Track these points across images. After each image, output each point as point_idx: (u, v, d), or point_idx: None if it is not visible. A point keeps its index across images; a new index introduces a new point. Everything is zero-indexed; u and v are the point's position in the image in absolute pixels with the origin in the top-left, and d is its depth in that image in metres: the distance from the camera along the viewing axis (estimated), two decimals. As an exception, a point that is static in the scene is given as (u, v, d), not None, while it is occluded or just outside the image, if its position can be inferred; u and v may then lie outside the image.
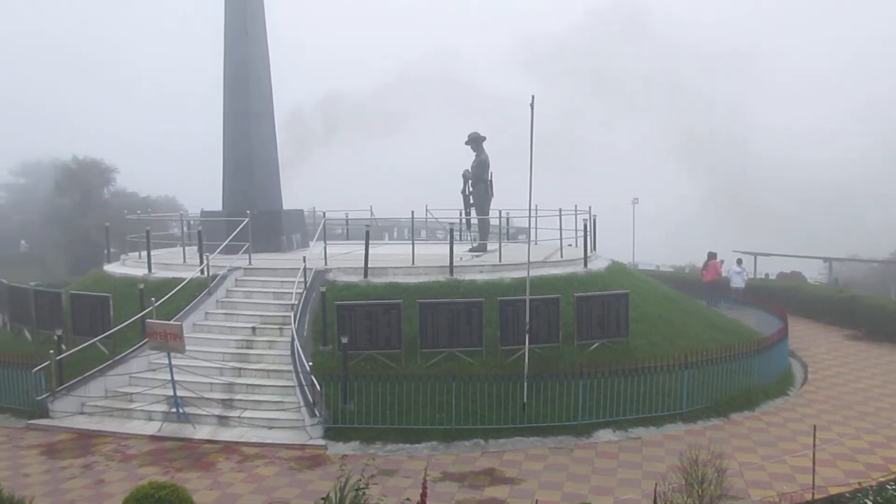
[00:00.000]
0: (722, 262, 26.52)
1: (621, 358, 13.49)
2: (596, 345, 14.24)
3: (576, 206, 19.50)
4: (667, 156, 60.35)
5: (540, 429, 11.96)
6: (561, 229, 19.41)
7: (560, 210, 19.47)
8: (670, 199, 55.26)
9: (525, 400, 12.18)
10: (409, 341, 13.60)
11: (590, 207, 19.18)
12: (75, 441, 12.15)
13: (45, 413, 13.07)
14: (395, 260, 17.04)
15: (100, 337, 14.37)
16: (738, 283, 24.72)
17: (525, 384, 12.25)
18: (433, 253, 17.82)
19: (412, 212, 18.55)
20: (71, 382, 13.29)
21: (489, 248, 19.74)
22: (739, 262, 25.86)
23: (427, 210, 23.68)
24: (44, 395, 13.08)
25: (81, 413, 13.21)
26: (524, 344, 12.69)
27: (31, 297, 16.67)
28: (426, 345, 13.58)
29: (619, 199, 41.22)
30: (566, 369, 12.77)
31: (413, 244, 16.98)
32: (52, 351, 13.26)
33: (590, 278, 16.87)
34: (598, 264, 18.51)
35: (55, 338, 13.82)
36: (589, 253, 18.32)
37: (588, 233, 18.40)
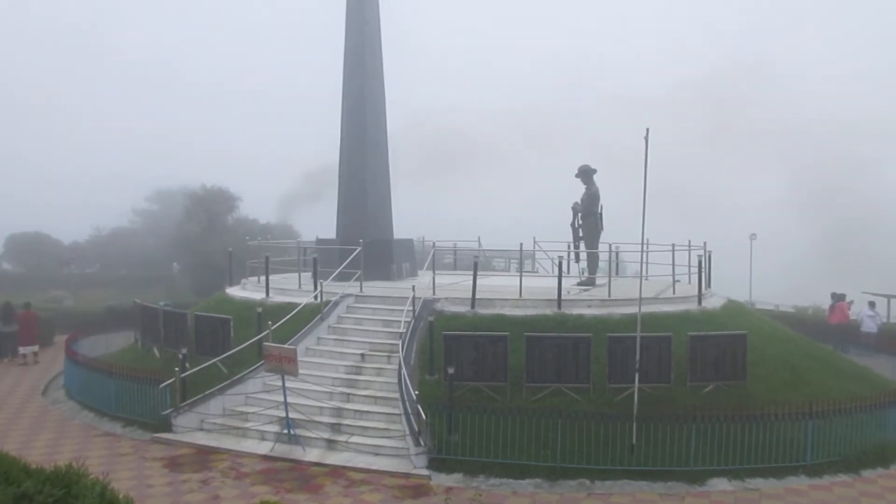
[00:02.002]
0: (850, 303, 24.79)
1: (738, 402, 12.81)
2: (710, 387, 13.61)
3: (689, 241, 18.87)
4: (785, 200, 57.76)
5: (649, 473, 11.50)
6: (674, 265, 18.82)
7: (673, 245, 18.88)
8: (784, 239, 52.68)
9: (634, 441, 11.77)
10: (515, 374, 13.49)
11: (704, 243, 18.50)
12: (195, 456, 12.79)
13: (168, 427, 13.86)
14: (502, 291, 17.02)
15: (220, 357, 15.13)
16: (870, 327, 23.00)
17: (634, 425, 11.85)
18: (541, 286, 17.67)
19: (521, 244, 18.52)
20: (193, 399, 14.04)
21: (598, 282, 19.38)
22: (872, 304, 24.03)
23: (535, 242, 23.57)
24: (168, 410, 13.88)
25: (201, 429, 13.89)
26: (633, 383, 12.30)
27: (160, 316, 17.81)
28: (532, 379, 13.43)
29: (736, 236, 39.58)
30: (678, 411, 12.25)
31: (521, 276, 16.93)
32: (177, 368, 14.08)
33: (704, 317, 16.21)
34: (713, 302, 17.76)
35: (180, 356, 14.66)
36: (703, 290, 17.61)
37: (702, 269, 17.71)
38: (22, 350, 21.80)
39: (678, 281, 19.10)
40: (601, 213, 19.36)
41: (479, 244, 25.29)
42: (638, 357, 12.39)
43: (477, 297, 15.92)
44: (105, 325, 23.36)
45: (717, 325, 15.53)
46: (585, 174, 19.54)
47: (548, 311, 15.53)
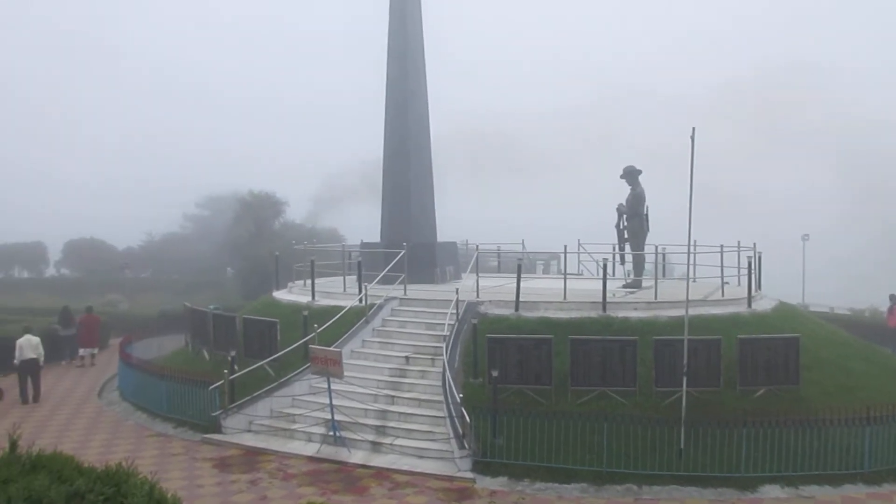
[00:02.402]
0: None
1: (791, 407, 12.47)
2: (761, 391, 13.27)
3: (738, 242, 18.44)
4: (838, 199, 56.00)
5: (698, 478, 11.27)
6: (722, 266, 18.42)
7: (721, 246, 18.49)
8: (838, 239, 51.07)
9: (682, 446, 11.55)
10: (560, 378, 13.38)
11: (754, 244, 18.06)
12: (243, 457, 13.02)
13: (218, 428, 14.14)
14: (546, 294, 16.91)
15: (268, 360, 15.37)
16: (931, 329, 22.11)
17: (682, 429, 11.63)
18: (585, 288, 17.49)
19: (565, 246, 18.38)
20: (241, 401, 14.30)
21: (644, 284, 19.10)
22: (933, 306, 23.11)
23: (579, 244, 23.35)
24: (218, 412, 14.17)
25: (249, 430, 14.14)
26: (681, 387, 12.08)
27: (209, 319, 18.20)
28: (577, 382, 13.30)
29: (787, 237, 38.51)
30: (728, 416, 11.98)
31: (565, 279, 16.80)
32: (226, 371, 14.37)
33: (755, 319, 15.82)
34: (763, 304, 17.32)
35: (229, 359, 14.96)
36: (753, 292, 17.19)
37: (752, 271, 17.29)
38: (82, 352, 22.52)
39: (727, 283, 18.69)
40: (647, 215, 19.08)
41: (523, 246, 25.15)
42: (686, 360, 12.16)
43: (521, 299, 15.85)
44: (158, 328, 23.97)
45: (768, 327, 15.15)
46: (630, 175, 19.29)
47: (593, 314, 15.37)
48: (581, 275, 23.23)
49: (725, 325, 14.89)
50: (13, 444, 3.85)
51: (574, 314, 15.42)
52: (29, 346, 17.37)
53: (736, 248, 18.36)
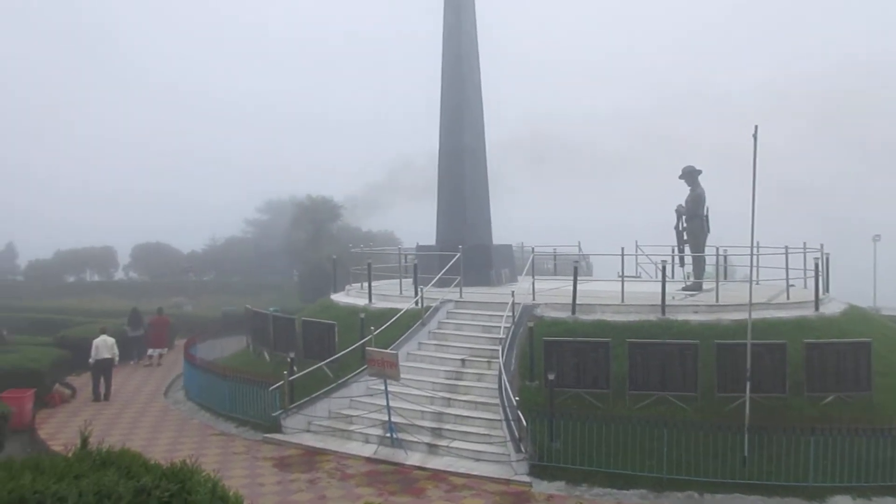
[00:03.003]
0: None
1: (862, 415, 11.96)
2: (830, 398, 12.78)
3: (804, 243, 17.82)
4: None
5: (763, 487, 10.92)
6: (787, 268, 17.82)
7: (786, 248, 17.90)
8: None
9: (746, 454, 11.22)
10: (618, 382, 13.18)
11: (821, 245, 17.42)
12: (302, 457, 13.24)
13: (278, 428, 14.42)
14: (603, 297, 16.68)
15: (326, 361, 15.60)
16: None
17: (746, 436, 11.29)
18: (643, 291, 17.19)
19: (622, 248, 18.10)
20: (300, 402, 14.55)
21: (704, 287, 18.65)
22: None
23: (637, 247, 22.96)
24: (278, 412, 14.45)
25: (308, 430, 14.37)
26: (744, 392, 11.73)
27: (269, 321, 18.58)
28: (635, 386, 13.07)
29: (857, 238, 37.01)
30: (795, 423, 11.57)
31: (623, 281, 16.54)
32: (285, 372, 14.65)
33: (822, 323, 15.25)
34: (831, 308, 16.68)
35: (288, 360, 15.24)
36: (821, 295, 16.58)
37: (820, 272, 16.68)
38: (150, 352, 23.32)
39: (792, 285, 18.08)
40: (707, 216, 18.63)
41: (580, 249, 24.89)
42: (749, 365, 11.81)
43: (577, 302, 15.68)
44: (220, 329, 24.62)
45: (836, 332, 14.58)
46: (689, 175, 18.87)
47: (651, 317, 15.08)
48: (639, 277, 22.84)
49: (791, 328, 14.40)
50: (84, 441, 4.01)
51: (632, 317, 15.16)
52: (105, 346, 18.10)
53: (802, 250, 17.74)
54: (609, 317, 15.31)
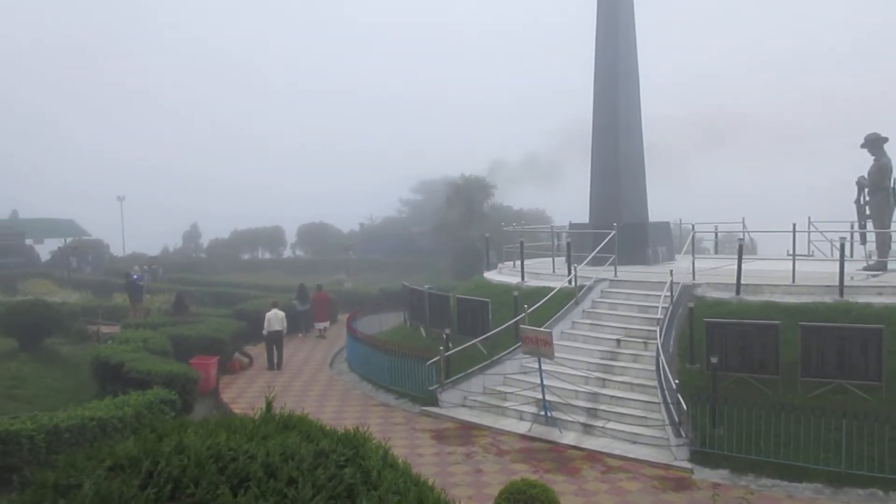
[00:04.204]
0: None
1: None
2: None
3: None
4: None
5: (961, 489, 9.84)
6: None
7: None
8: None
9: (940, 451, 10.15)
10: (788, 367, 12.33)
11: None
12: (458, 430, 13.61)
13: (434, 402, 14.89)
14: (771, 277, 15.63)
15: (480, 338, 15.87)
16: None
17: (941, 432, 10.21)
18: (817, 270, 15.94)
19: (793, 224, 16.84)
20: (456, 377, 14.93)
21: (889, 266, 16.94)
22: None
23: (810, 222, 21.27)
24: (434, 387, 14.92)
25: (463, 405, 14.73)
26: (940, 383, 10.59)
27: (425, 298, 19.17)
28: (808, 373, 12.18)
29: None
30: None
31: (794, 260, 15.42)
32: (441, 347, 15.07)
33: None
34: None
35: (444, 336, 15.66)
36: None
37: None
38: (317, 325, 24.89)
39: None
40: (894, 188, 16.84)
41: (744, 225, 23.42)
42: (945, 354, 10.63)
43: (742, 282, 14.82)
44: (379, 305, 25.75)
45: None
46: (873, 144, 17.10)
47: (827, 299, 13.96)
48: (811, 256, 21.20)
49: None
50: (269, 405, 4.38)
51: (805, 299, 14.11)
52: (276, 319, 19.55)
53: None
54: (778, 298, 14.35)
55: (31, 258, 47.50)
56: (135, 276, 26.94)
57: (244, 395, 16.37)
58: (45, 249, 51.22)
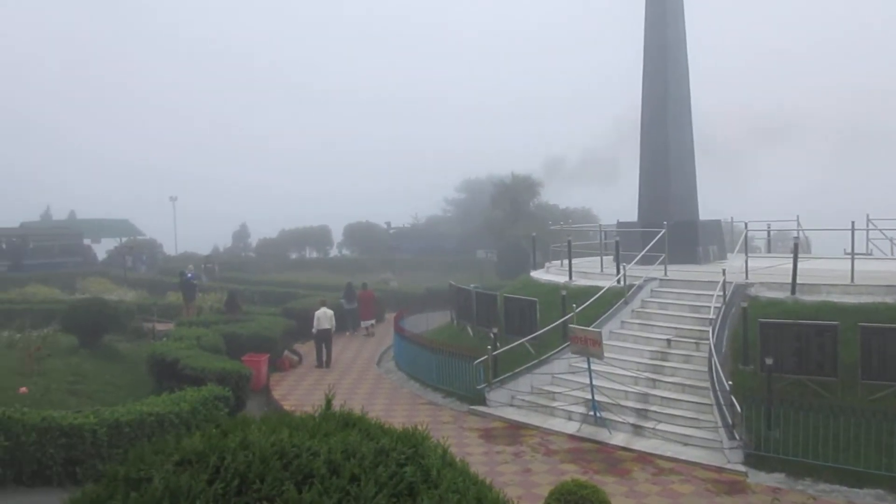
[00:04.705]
0: None
1: None
2: None
3: None
4: None
5: None
6: None
7: None
8: None
9: None
10: (847, 369, 12.00)
11: None
12: (506, 430, 13.60)
13: (482, 401, 14.91)
14: (828, 276, 15.23)
15: (528, 338, 15.83)
16: None
17: None
18: (877, 270, 15.47)
19: (852, 222, 16.36)
20: (503, 376, 14.92)
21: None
22: None
23: (868, 220, 20.62)
24: (482, 386, 14.93)
25: (511, 405, 14.71)
26: None
27: (472, 297, 19.18)
28: (869, 376, 11.81)
29: None
30: None
31: (853, 259, 14.98)
32: (489, 347, 15.07)
33: None
34: None
35: (491, 335, 15.66)
36: None
37: None
38: (363, 323, 25.15)
39: None
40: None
41: (798, 223, 22.82)
42: None
43: (798, 281, 14.46)
44: (425, 304, 25.87)
45: None
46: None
47: (888, 299, 13.53)
48: (870, 255, 20.56)
49: None
50: (328, 402, 4.45)
51: (864, 299, 13.71)
52: (325, 317, 19.82)
53: None
54: (836, 298, 13.97)
55: (88, 257, 49.01)
56: (189, 275, 27.59)
57: (294, 393, 16.64)
58: (102, 249, 52.84)
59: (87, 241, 51.68)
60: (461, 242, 51.42)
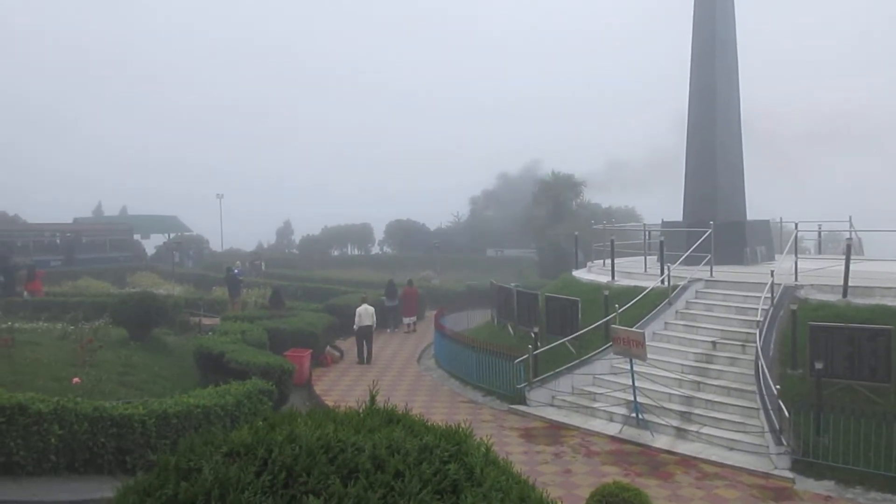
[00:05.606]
0: None
1: None
2: None
3: None
4: None
5: None
6: None
7: None
8: None
9: None
10: (902, 376, 11.62)
11: None
12: (546, 430, 13.53)
13: (522, 400, 14.86)
14: (882, 279, 14.76)
15: (569, 337, 15.72)
16: None
17: None
18: (935, 273, 14.93)
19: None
20: (544, 376, 14.84)
21: None
22: None
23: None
24: (522, 385, 14.89)
25: (552, 405, 14.63)
26: None
27: (513, 296, 19.13)
28: (925, 382, 11.43)
29: None
30: None
31: (908, 262, 14.51)
32: (529, 346, 15.01)
33: None
34: None
35: (532, 334, 15.59)
36: None
37: None
38: (405, 320, 25.30)
39: None
40: None
41: (851, 224, 22.18)
42: None
43: (850, 284, 14.06)
44: (465, 302, 25.88)
45: None
46: None
47: (946, 304, 13.06)
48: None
49: None
50: (373, 398, 4.49)
51: (920, 303, 13.26)
52: (366, 314, 20.00)
53: None
54: (890, 301, 13.54)
55: (138, 252, 50.34)
56: (235, 271, 28.11)
57: (335, 388, 16.82)
58: (151, 244, 54.21)
59: (137, 237, 53.07)
60: (499, 239, 51.41)
